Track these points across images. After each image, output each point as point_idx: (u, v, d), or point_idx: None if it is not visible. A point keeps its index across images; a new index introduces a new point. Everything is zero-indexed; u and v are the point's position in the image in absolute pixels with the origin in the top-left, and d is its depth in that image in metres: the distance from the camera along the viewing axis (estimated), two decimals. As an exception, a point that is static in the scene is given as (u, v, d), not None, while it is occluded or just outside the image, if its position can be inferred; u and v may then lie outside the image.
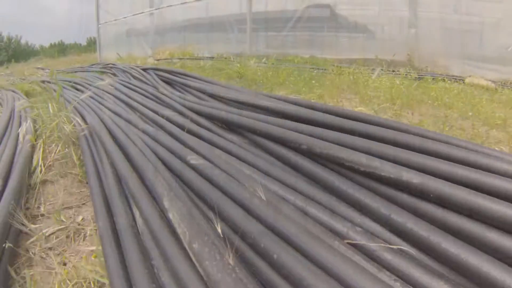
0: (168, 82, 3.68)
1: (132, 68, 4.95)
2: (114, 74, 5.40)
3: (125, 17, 9.97)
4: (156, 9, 9.27)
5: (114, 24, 10.52)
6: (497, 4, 6.22)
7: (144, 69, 4.54)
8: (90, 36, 22.83)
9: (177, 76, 3.72)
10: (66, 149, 1.89)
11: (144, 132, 1.85)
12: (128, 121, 2.11)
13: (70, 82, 4.78)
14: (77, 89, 4.32)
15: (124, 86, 3.78)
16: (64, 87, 4.47)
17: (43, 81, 5.39)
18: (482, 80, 4.96)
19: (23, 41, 26.53)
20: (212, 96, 2.46)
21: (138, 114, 2.52)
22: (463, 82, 5.00)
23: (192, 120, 2.06)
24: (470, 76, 5.24)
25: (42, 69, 10.48)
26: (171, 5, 8.66)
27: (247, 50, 7.57)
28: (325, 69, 5.28)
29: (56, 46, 25.53)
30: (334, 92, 3.62)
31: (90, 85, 4.28)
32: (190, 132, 1.80)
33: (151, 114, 2.31)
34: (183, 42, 8.83)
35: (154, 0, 9.36)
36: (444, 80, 4.74)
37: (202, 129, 1.82)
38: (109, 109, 2.63)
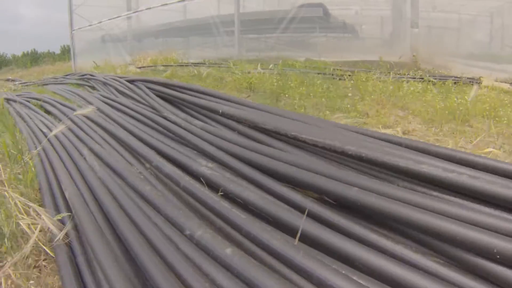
0: (168, 100, 2.56)
1: (114, 79, 3.74)
2: (93, 87, 4.19)
3: (100, 22, 8.51)
4: (134, 12, 7.91)
5: (89, 29, 9.00)
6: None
7: (131, 81, 3.36)
8: (64, 44, 20.57)
9: (179, 91, 2.58)
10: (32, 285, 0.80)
11: (192, 240, 0.80)
12: (144, 198, 1.05)
13: (39, 100, 3.53)
14: (49, 112, 3.13)
15: (111, 106, 2.66)
16: (32, 109, 3.26)
17: (7, 100, 4.08)
18: (503, 84, 4.21)
19: (-6, 51, 23.78)
20: (275, 134, 1.42)
21: (149, 168, 1.45)
22: (479, 85, 4.23)
23: (260, 187, 1.04)
24: (480, 77, 4.49)
25: (13, 80, 9.05)
26: (150, 8, 7.35)
27: (236, 54, 6.46)
28: (332, 74, 4.36)
29: (28, 55, 23.02)
30: (378, 108, 2.69)
31: (64, 105, 3.10)
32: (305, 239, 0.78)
33: (174, 171, 1.26)
34: (164, 47, 7.58)
35: (131, 3, 7.98)
36: (463, 84, 3.93)
37: (322, 227, 0.80)
38: (99, 157, 1.54)
